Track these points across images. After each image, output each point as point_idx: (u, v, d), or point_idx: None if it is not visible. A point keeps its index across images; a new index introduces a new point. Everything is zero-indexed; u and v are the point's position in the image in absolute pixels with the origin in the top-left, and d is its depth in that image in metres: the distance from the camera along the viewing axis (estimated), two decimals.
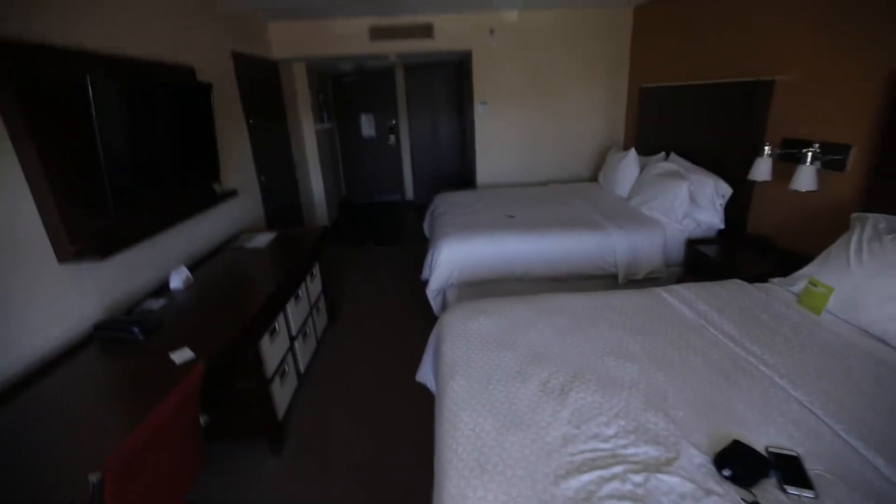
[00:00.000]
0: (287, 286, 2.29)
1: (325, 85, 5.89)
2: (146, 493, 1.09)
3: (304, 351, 2.51)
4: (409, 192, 6.63)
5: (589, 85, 4.44)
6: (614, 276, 2.84)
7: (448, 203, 3.62)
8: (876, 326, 1.55)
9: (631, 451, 1.15)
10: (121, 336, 1.69)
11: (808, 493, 1.02)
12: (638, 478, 1.07)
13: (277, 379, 2.10)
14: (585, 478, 1.07)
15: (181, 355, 1.55)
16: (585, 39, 4.28)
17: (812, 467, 1.08)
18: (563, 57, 4.34)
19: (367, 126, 6.38)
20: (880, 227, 1.69)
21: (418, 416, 2.17)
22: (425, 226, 3.80)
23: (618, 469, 1.09)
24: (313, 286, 2.77)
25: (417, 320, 3.07)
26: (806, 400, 1.30)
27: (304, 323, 2.55)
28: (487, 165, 4.69)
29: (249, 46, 3.60)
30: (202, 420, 1.38)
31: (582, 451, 1.15)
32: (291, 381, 2.30)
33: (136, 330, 1.68)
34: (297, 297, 2.44)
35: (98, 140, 1.66)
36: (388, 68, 6.02)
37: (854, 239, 1.73)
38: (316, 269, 2.85)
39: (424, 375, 2.03)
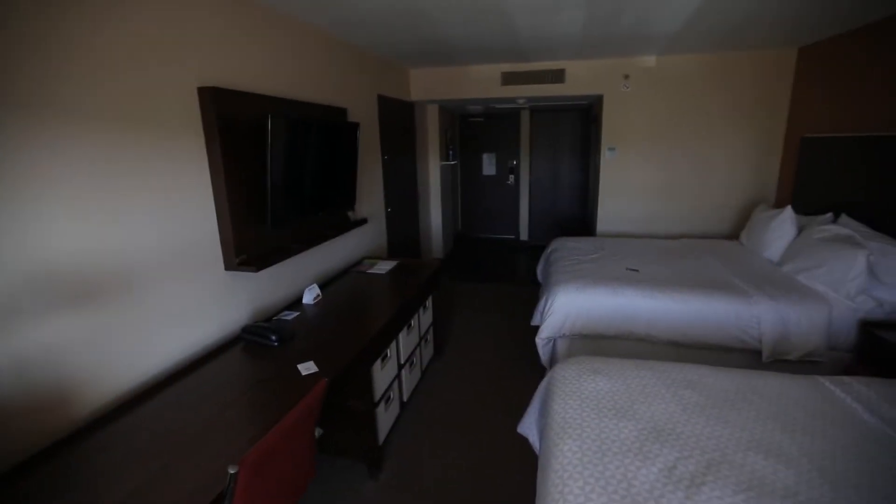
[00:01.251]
0: (402, 315, 2.39)
1: (454, 124, 6.25)
2: (268, 491, 1.18)
3: (409, 380, 2.57)
4: (524, 233, 6.60)
5: (735, 133, 4.03)
6: (757, 352, 2.44)
7: (566, 248, 3.51)
8: None
9: None
10: (260, 341, 1.90)
11: None
12: None
13: (383, 404, 2.17)
14: None
15: (306, 367, 1.68)
16: (733, 84, 3.92)
17: None
18: (705, 102, 4.03)
19: (489, 164, 6.57)
20: None
21: (515, 468, 2.06)
22: (539, 269, 3.71)
23: None
24: (425, 317, 2.85)
25: (523, 366, 2.97)
26: None
27: (413, 353, 2.63)
28: (610, 213, 4.46)
29: (392, 90, 3.99)
30: (317, 432, 1.47)
31: None
32: (394, 408, 2.36)
33: (273, 337, 1.87)
34: (409, 326, 2.53)
35: (269, 169, 1.95)
36: (515, 111, 6.18)
37: None
38: (429, 302, 2.94)
39: (527, 428, 1.93)
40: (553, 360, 2.71)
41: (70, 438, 1.30)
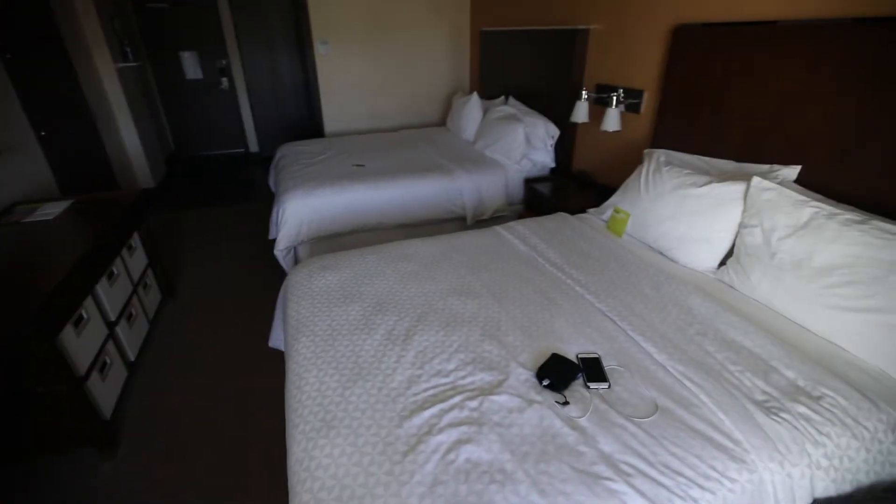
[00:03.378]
0: (94, 263, 1.91)
1: (124, 12, 4.78)
2: None
3: (131, 336, 2.17)
4: (253, 143, 5.97)
5: (435, 26, 4.36)
6: (464, 218, 2.98)
7: (294, 153, 3.35)
8: (656, 242, 1.91)
9: (468, 380, 1.26)
10: None
11: (604, 385, 1.24)
12: (473, 403, 1.17)
13: (96, 374, 1.79)
14: (427, 413, 1.14)
15: None
16: None
17: (608, 364, 1.31)
18: None
19: (192, 66, 5.44)
20: (661, 160, 2.03)
21: (275, 382, 2.08)
22: (270, 180, 3.48)
23: (456, 399, 1.19)
24: (134, 260, 2.37)
25: (269, 284, 2.85)
26: (606, 309, 1.55)
27: (127, 304, 2.19)
28: (335, 112, 4.41)
29: None
30: None
31: (425, 390, 1.22)
32: (118, 373, 1.99)
33: None
34: (111, 274, 2.07)
35: None
36: None
37: (643, 171, 2.06)
38: (136, 240, 2.43)
39: (277, 340, 1.93)
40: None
41: None
